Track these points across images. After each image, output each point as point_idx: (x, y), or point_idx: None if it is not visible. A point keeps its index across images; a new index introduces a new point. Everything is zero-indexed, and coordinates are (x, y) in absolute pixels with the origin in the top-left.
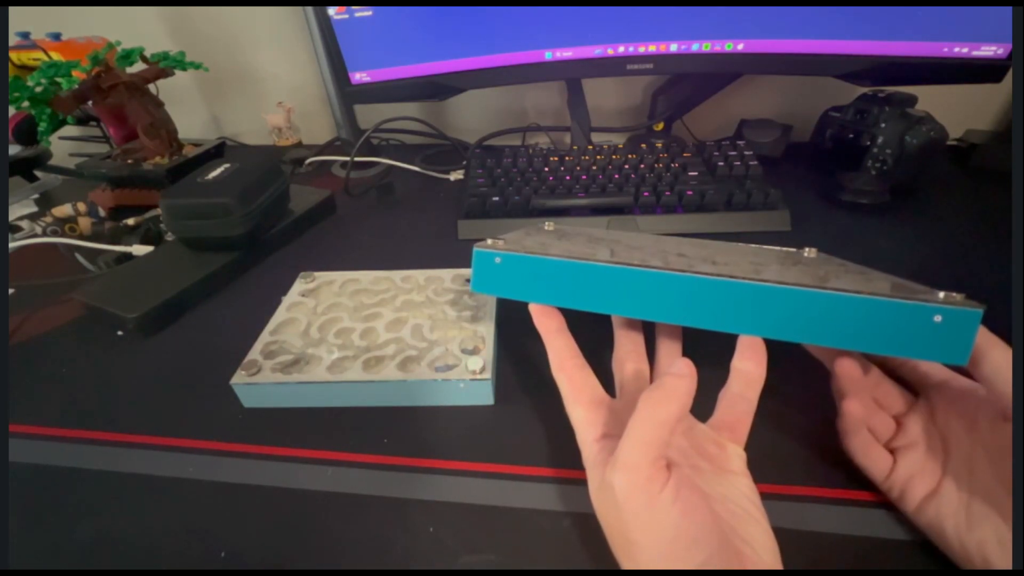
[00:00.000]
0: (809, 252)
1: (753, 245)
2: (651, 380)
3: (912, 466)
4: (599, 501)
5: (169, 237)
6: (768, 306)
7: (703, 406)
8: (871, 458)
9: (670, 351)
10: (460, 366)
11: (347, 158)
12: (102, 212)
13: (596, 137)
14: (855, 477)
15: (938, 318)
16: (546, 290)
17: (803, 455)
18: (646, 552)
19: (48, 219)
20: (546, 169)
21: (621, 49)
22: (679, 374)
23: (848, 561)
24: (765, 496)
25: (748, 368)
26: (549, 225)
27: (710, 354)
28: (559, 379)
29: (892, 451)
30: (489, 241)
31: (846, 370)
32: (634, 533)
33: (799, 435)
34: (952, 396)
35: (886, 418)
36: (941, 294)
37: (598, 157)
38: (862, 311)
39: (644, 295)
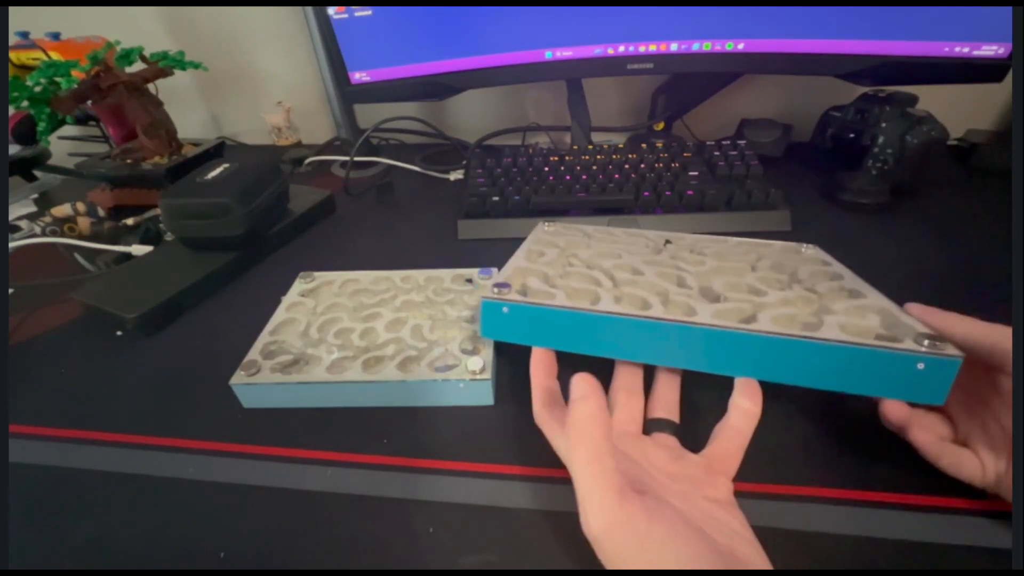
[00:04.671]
0: (807, 249)
1: (757, 242)
2: (645, 410)
3: (992, 450)
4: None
5: (168, 237)
6: (760, 352)
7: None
8: (964, 468)
9: (668, 383)
10: (460, 366)
11: (347, 158)
12: (101, 212)
13: (596, 137)
14: (855, 477)
15: (921, 366)
16: (552, 337)
17: (803, 455)
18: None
19: (47, 219)
20: (546, 169)
21: (621, 49)
22: (581, 397)
23: (848, 561)
24: (765, 496)
25: (746, 405)
26: (549, 227)
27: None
28: (542, 423)
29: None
30: (495, 290)
31: (896, 412)
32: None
33: (799, 435)
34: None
35: (937, 421)
36: (925, 341)
37: (598, 157)
38: (851, 358)
39: (644, 342)
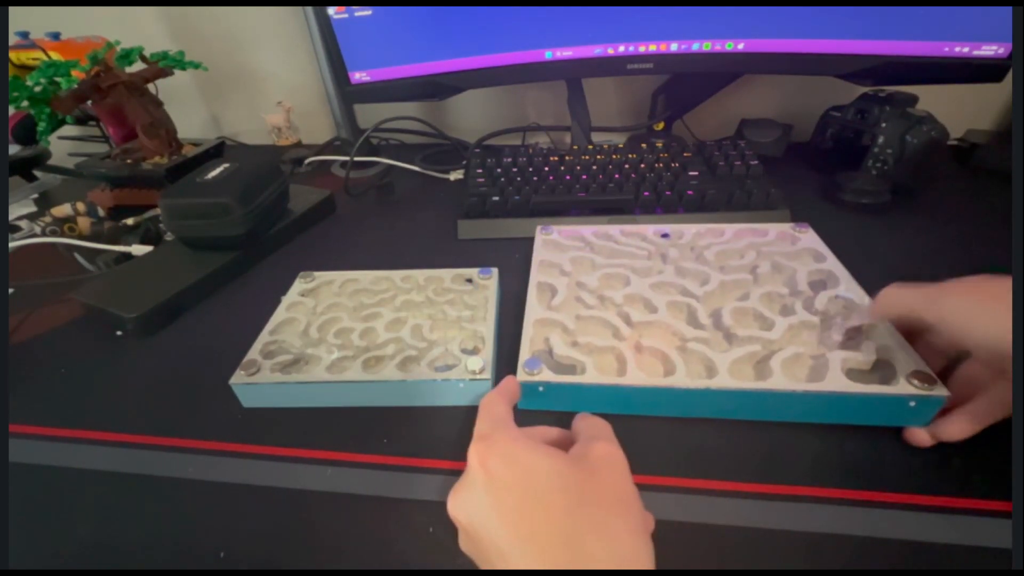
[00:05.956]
0: (802, 234)
1: (754, 230)
2: None
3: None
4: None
5: (168, 237)
6: (774, 403)
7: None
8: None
9: None
10: (460, 366)
11: (347, 158)
12: (101, 212)
13: (596, 137)
14: (855, 477)
15: (913, 403)
16: (585, 404)
17: (804, 455)
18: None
19: (47, 219)
20: (546, 169)
21: (621, 49)
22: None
23: (849, 561)
24: (765, 497)
25: None
26: (546, 235)
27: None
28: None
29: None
30: (527, 370)
31: (923, 440)
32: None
33: (799, 435)
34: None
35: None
36: (915, 381)
37: (598, 157)
38: (852, 403)
39: (670, 403)
